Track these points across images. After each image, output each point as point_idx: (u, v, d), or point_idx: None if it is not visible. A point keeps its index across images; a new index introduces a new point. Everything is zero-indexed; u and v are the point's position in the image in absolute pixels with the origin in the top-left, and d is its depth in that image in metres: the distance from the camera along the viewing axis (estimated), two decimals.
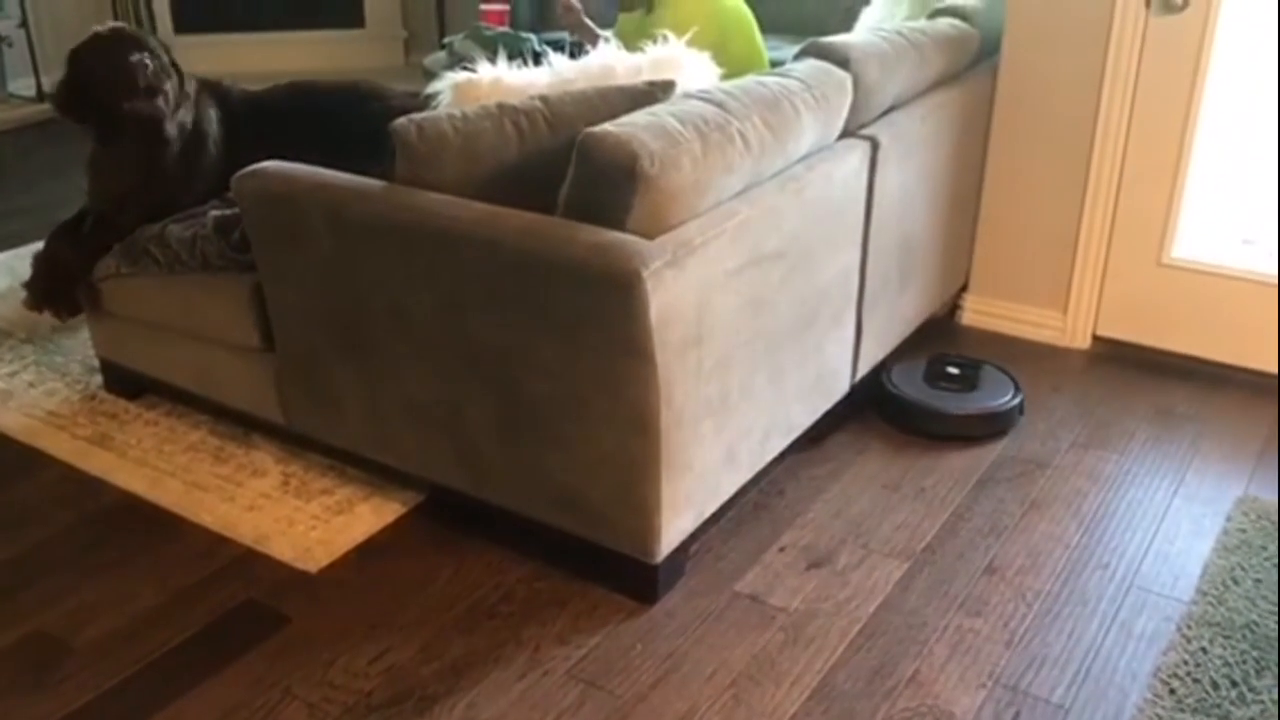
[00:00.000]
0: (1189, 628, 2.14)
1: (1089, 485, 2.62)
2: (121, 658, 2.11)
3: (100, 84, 2.72)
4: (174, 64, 2.84)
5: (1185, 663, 2.05)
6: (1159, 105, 2.96)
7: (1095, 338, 3.27)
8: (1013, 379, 2.95)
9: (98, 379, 3.10)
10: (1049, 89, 3.08)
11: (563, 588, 2.28)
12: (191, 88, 2.87)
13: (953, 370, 2.93)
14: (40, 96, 5.96)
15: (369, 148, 2.57)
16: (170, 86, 2.76)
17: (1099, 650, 2.11)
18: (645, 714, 1.97)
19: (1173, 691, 1.99)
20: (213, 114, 2.92)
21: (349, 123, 2.87)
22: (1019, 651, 2.11)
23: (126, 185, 2.80)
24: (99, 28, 2.79)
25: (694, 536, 2.29)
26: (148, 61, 2.70)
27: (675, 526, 2.18)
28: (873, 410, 2.91)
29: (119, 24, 2.91)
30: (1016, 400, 2.87)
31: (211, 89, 2.98)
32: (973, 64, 3.11)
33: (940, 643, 2.13)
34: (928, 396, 2.86)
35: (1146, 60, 2.94)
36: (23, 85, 6.00)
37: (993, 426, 2.83)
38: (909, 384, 2.91)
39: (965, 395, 2.87)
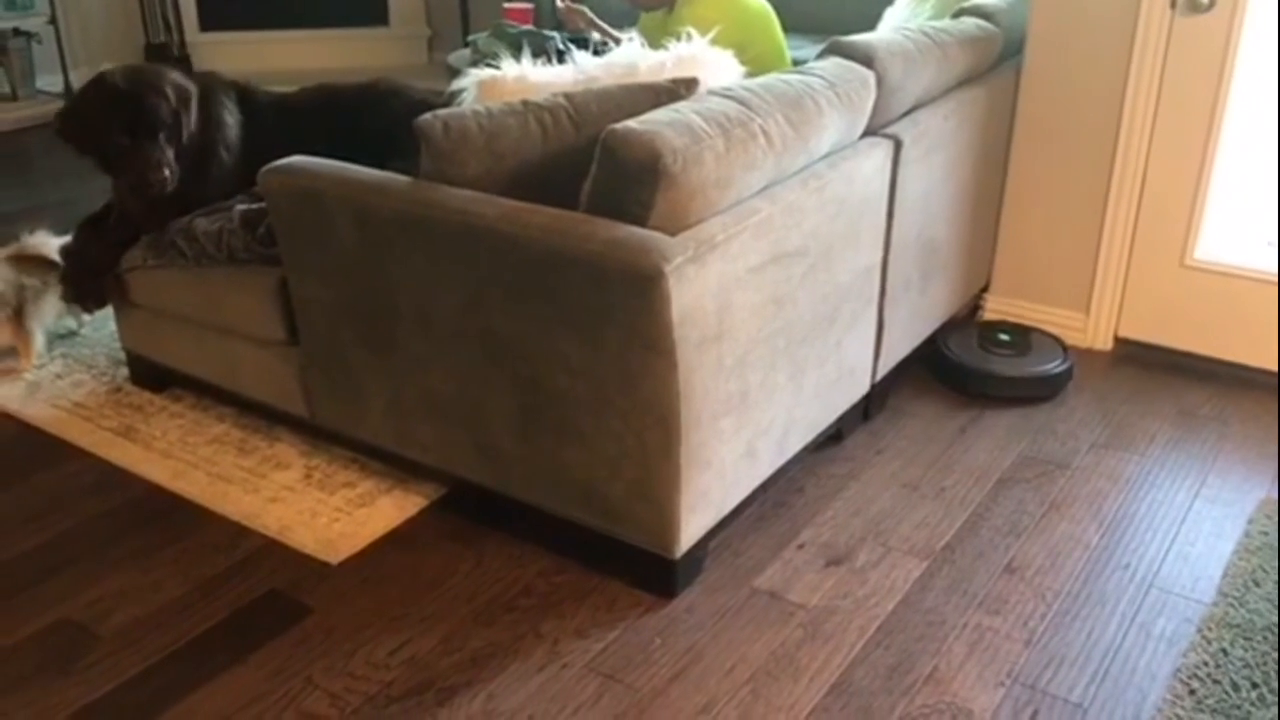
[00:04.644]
0: (1209, 629, 2.14)
1: (1109, 486, 2.62)
2: (146, 646, 2.14)
3: (104, 128, 2.68)
4: (181, 87, 2.76)
5: (1205, 664, 2.05)
6: (1184, 105, 2.95)
7: (1117, 339, 3.26)
8: (1062, 345, 3.11)
9: (124, 371, 3.13)
10: (1073, 89, 3.07)
11: (582, 582, 2.29)
12: (195, 98, 2.80)
13: (1004, 336, 3.11)
14: (68, 92, 6.01)
15: (389, 145, 2.59)
16: (172, 146, 2.71)
17: (1118, 650, 2.11)
18: (663, 708, 1.98)
19: (1193, 692, 1.98)
20: (229, 118, 2.89)
21: (369, 120, 2.88)
22: (1038, 650, 2.11)
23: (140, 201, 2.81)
24: (113, 71, 2.73)
25: (713, 533, 2.30)
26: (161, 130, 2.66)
27: (694, 522, 2.19)
28: (929, 374, 3.09)
29: (138, 65, 2.82)
30: (1065, 365, 3.02)
31: (237, 91, 2.96)
32: (996, 64, 3.11)
33: (959, 641, 2.13)
34: (981, 360, 3.04)
35: (1171, 60, 2.93)
36: (50, 82, 6.06)
37: (1042, 389, 3.00)
38: (964, 349, 3.09)
39: (1017, 360, 3.03)
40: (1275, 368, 3.04)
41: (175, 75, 2.78)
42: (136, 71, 2.76)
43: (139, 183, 2.70)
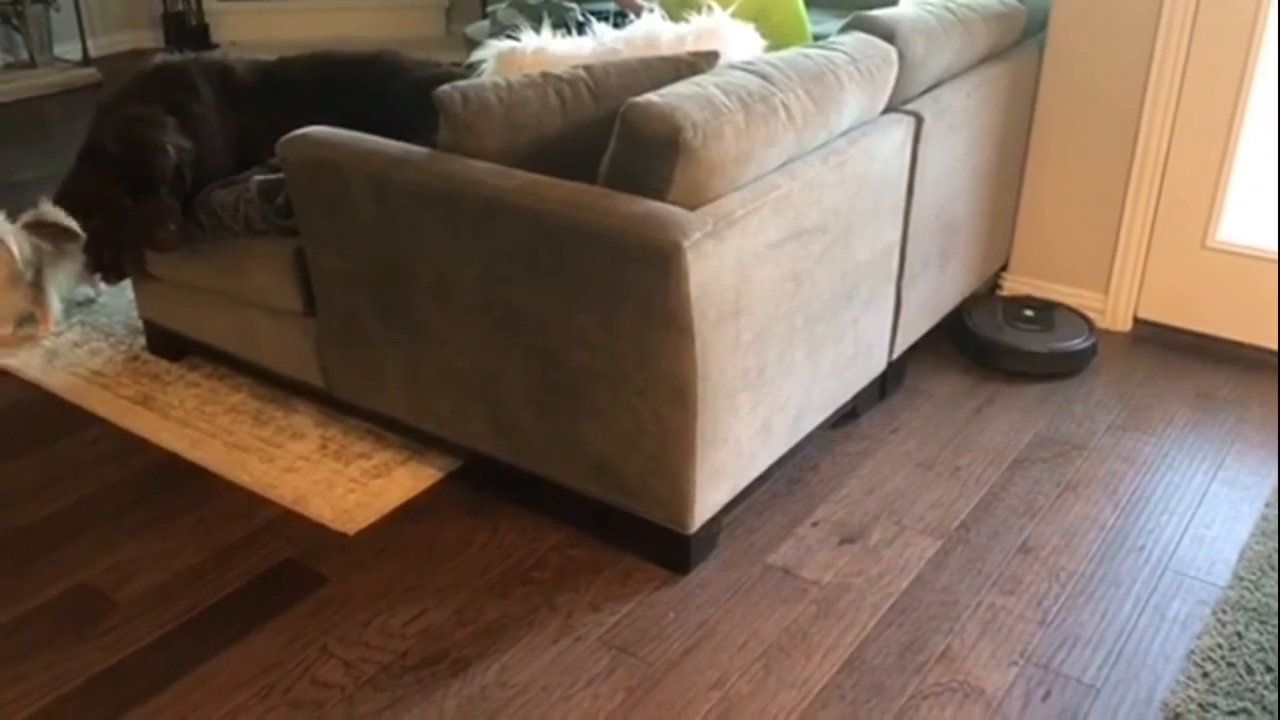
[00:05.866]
0: (1224, 612, 2.13)
1: (1126, 468, 2.61)
2: (163, 613, 2.16)
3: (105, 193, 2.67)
4: (182, 147, 2.70)
5: (1219, 647, 2.04)
6: (1209, 84, 2.92)
7: (1136, 320, 3.24)
8: (1087, 321, 3.12)
9: (141, 340, 3.14)
10: (1096, 66, 3.04)
11: (596, 555, 2.30)
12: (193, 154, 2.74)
13: (1029, 312, 3.12)
14: (86, 60, 6.01)
15: (392, 123, 2.53)
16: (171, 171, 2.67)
17: (1132, 632, 2.11)
18: (676, 682, 1.99)
19: (1206, 675, 1.98)
20: (208, 113, 2.82)
21: (374, 104, 2.79)
22: (1051, 631, 2.11)
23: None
24: (106, 134, 2.67)
25: (727, 509, 2.30)
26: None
27: (709, 498, 2.19)
28: (947, 351, 3.10)
29: (134, 115, 2.71)
30: (1090, 341, 3.03)
31: (213, 77, 2.88)
32: (1020, 40, 3.08)
33: (972, 620, 2.13)
34: (1006, 335, 3.04)
35: (1198, 38, 2.90)
36: (69, 50, 6.06)
37: (1067, 365, 3.00)
38: (988, 324, 3.09)
39: (1041, 334, 3.04)
40: None
41: (172, 131, 2.70)
42: (131, 129, 2.68)
43: (149, 242, 2.70)
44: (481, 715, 1.92)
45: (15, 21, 5.86)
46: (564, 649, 2.06)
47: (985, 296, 3.28)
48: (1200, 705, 1.91)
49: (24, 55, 5.93)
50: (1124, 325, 3.24)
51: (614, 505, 2.26)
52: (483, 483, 2.50)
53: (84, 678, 2.00)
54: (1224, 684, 1.96)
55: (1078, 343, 3.02)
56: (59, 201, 2.79)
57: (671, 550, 2.24)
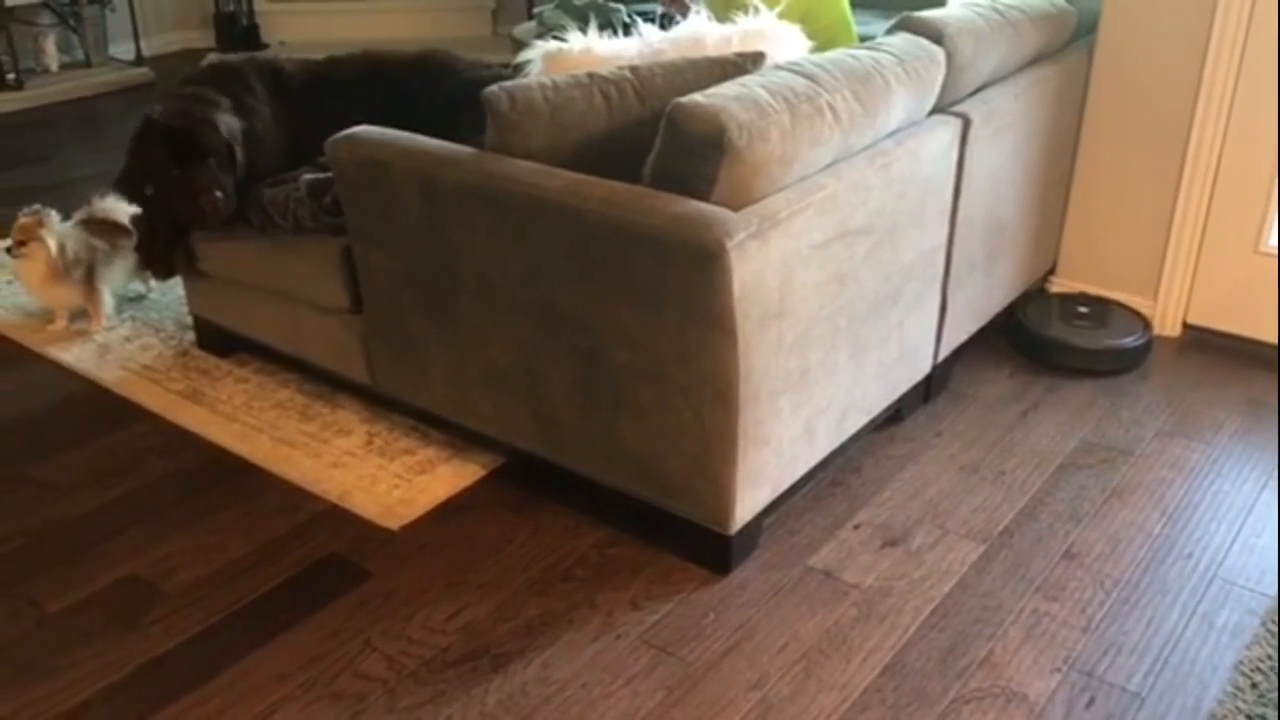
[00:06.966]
0: (1274, 622, 2.10)
1: (1173, 474, 2.57)
2: (210, 604, 2.19)
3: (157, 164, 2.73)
4: (231, 123, 2.78)
5: (1269, 657, 2.01)
6: (1264, 86, 2.87)
7: (1186, 325, 3.20)
8: (1143, 318, 3.12)
9: (190, 336, 3.19)
10: (1148, 68, 3.00)
11: (637, 554, 2.30)
12: (241, 135, 2.80)
13: (1083, 309, 3.12)
14: (139, 59, 6.11)
15: (440, 123, 2.55)
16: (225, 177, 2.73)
17: (1179, 640, 2.08)
18: (715, 682, 1.99)
19: (1254, 685, 1.95)
20: (262, 107, 2.87)
21: (422, 100, 2.82)
22: (1096, 638, 2.08)
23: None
24: (154, 115, 2.76)
25: (769, 510, 2.30)
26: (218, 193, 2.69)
27: (750, 499, 2.19)
28: (996, 351, 3.11)
29: (189, 95, 2.80)
30: (1144, 339, 3.04)
31: (266, 75, 2.92)
32: (1069, 42, 3.05)
33: (1015, 626, 2.12)
34: (1060, 332, 3.05)
35: (1253, 39, 2.85)
36: (124, 50, 6.16)
37: (1121, 362, 3.01)
38: (1043, 320, 3.10)
39: (1095, 331, 3.05)
40: None
41: (225, 110, 2.76)
42: (183, 105, 2.75)
43: (194, 211, 2.72)
44: (521, 711, 1.93)
45: (72, 22, 5.97)
46: (604, 647, 2.07)
47: (1038, 293, 3.28)
48: (1248, 717, 1.88)
49: (80, 55, 6.05)
50: (1173, 330, 3.20)
51: (655, 504, 2.26)
52: (525, 480, 2.51)
53: (132, 666, 2.04)
54: (1273, 695, 1.93)
55: (1132, 340, 3.02)
56: (119, 183, 2.84)
57: (712, 550, 2.24)
